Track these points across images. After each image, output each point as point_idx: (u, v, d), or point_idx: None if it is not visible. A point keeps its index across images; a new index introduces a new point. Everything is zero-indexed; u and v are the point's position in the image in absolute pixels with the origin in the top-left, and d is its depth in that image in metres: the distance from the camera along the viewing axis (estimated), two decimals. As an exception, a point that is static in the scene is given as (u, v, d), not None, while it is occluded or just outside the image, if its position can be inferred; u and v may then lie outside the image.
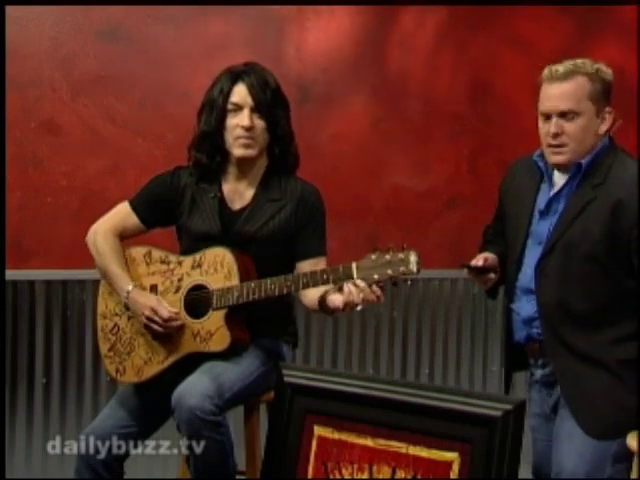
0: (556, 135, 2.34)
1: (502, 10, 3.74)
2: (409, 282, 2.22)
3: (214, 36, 3.52)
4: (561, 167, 2.38)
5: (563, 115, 2.33)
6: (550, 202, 2.41)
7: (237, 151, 2.46)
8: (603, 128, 2.37)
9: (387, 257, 2.19)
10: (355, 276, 2.22)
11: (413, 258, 2.17)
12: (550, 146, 2.36)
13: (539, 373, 2.45)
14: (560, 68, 2.35)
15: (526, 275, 2.42)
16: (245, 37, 3.53)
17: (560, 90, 2.34)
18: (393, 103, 3.70)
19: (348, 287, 2.22)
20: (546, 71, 2.38)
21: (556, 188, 2.41)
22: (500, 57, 3.78)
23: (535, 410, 2.49)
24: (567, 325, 2.33)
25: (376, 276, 2.19)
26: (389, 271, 2.18)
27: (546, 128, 2.37)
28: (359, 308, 2.25)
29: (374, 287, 2.21)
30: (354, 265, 2.23)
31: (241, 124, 2.43)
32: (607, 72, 2.37)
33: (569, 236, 2.33)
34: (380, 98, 3.69)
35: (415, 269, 2.17)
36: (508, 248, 2.52)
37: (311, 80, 3.62)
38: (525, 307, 2.42)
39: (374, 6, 3.65)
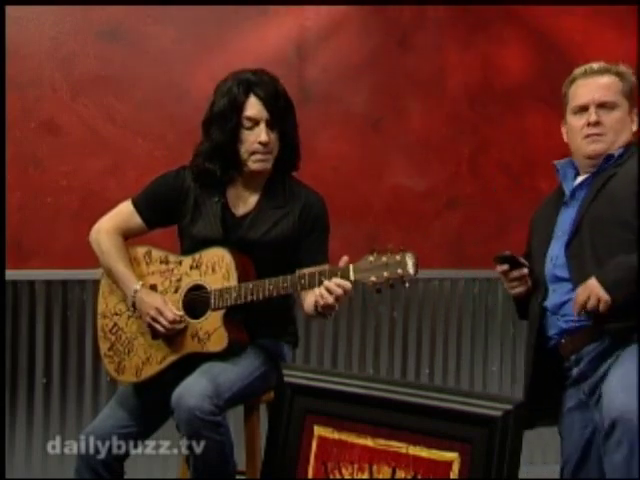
0: (596, 123, 2.39)
1: (502, 10, 3.74)
2: (407, 284, 2.20)
3: (214, 36, 3.52)
4: (596, 159, 2.41)
5: (601, 106, 2.40)
6: (574, 191, 2.44)
7: (254, 165, 2.45)
8: (634, 128, 2.43)
9: (384, 259, 2.18)
10: (352, 278, 2.22)
11: (410, 260, 2.16)
12: (588, 136, 2.41)
13: (575, 371, 2.39)
14: (594, 65, 2.45)
15: (550, 264, 2.41)
16: (245, 37, 3.53)
17: (597, 83, 2.43)
18: (393, 103, 3.71)
19: (320, 290, 2.23)
20: (578, 70, 2.47)
21: (580, 178, 2.44)
22: (500, 57, 3.78)
23: (569, 405, 2.43)
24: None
25: (373, 278, 2.19)
26: (386, 273, 2.18)
27: (582, 120, 2.42)
28: (335, 308, 2.26)
29: (336, 279, 2.22)
30: (351, 267, 2.23)
31: (259, 140, 2.41)
32: (632, 75, 2.45)
33: (594, 210, 2.34)
34: (380, 98, 3.69)
35: (412, 271, 2.16)
36: (533, 256, 2.49)
37: (311, 80, 3.62)
38: (552, 297, 2.40)
39: (374, 6, 3.65)
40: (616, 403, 2.12)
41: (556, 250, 2.41)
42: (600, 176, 2.39)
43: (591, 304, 2.25)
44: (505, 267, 2.44)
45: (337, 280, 2.23)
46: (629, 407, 2.07)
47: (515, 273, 2.45)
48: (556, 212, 2.49)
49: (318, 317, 2.39)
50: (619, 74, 2.44)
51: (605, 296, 2.22)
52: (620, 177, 2.34)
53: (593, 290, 2.24)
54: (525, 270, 2.45)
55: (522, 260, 2.45)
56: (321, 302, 2.25)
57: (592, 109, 2.40)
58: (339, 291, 2.22)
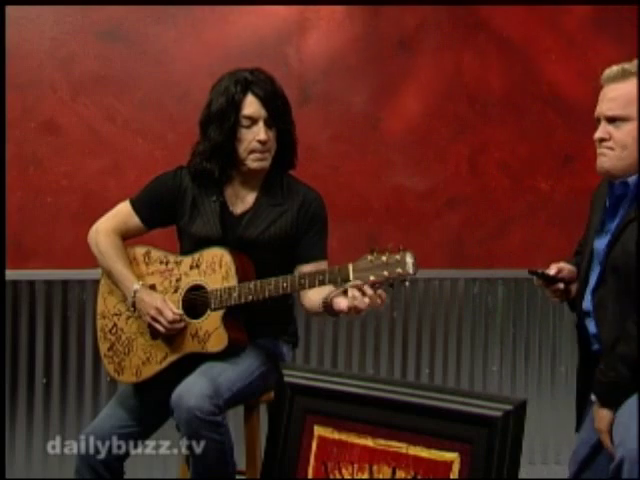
0: (602, 140, 2.25)
1: (502, 9, 3.74)
2: (407, 283, 2.19)
3: (214, 36, 3.52)
4: (607, 175, 2.27)
5: (611, 120, 2.23)
6: (603, 220, 2.31)
7: (253, 164, 2.45)
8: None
9: (383, 258, 2.18)
10: (351, 277, 2.21)
11: (409, 259, 2.16)
12: (598, 151, 2.27)
13: None
14: (614, 68, 2.25)
15: (587, 298, 2.33)
16: (245, 37, 3.53)
17: (609, 93, 2.25)
18: (393, 103, 3.71)
19: (353, 292, 2.20)
20: (603, 73, 2.28)
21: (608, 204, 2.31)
22: (500, 57, 3.78)
23: (591, 398, 2.38)
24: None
25: (372, 277, 2.18)
26: (385, 272, 2.17)
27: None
28: (363, 313, 2.23)
29: (379, 291, 2.19)
30: (350, 266, 2.22)
31: (257, 138, 2.41)
32: None
33: (613, 259, 2.23)
34: (380, 98, 3.69)
35: (411, 270, 2.16)
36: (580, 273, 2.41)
37: (311, 80, 3.62)
38: (593, 325, 2.32)
39: (374, 6, 3.65)
40: (627, 440, 2.08)
41: (591, 284, 2.32)
42: (626, 213, 2.24)
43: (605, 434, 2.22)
44: (540, 282, 2.39)
45: (380, 292, 2.19)
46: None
47: (550, 288, 2.40)
48: (604, 205, 2.34)
49: (326, 315, 2.36)
50: None
51: (610, 418, 2.19)
52: (635, 225, 2.19)
53: (601, 425, 2.22)
54: (560, 285, 2.39)
55: (553, 274, 2.37)
56: (353, 303, 2.19)
57: (602, 124, 2.26)
58: (377, 301, 2.19)
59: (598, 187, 2.46)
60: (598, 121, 2.29)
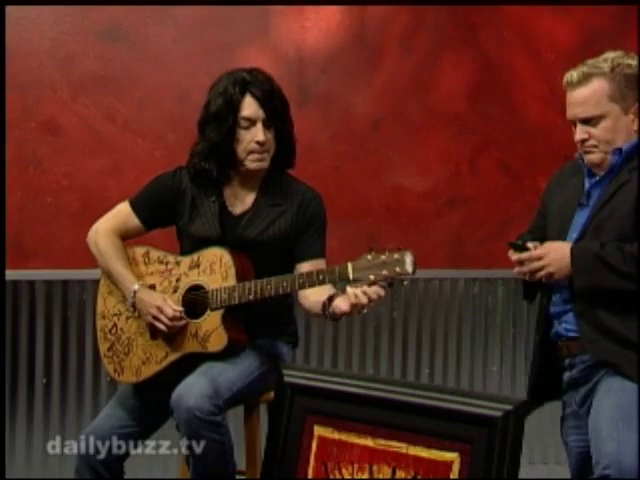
0: (583, 141, 2.31)
1: (502, 10, 3.74)
2: (405, 283, 2.20)
3: (214, 36, 3.52)
4: (597, 167, 2.33)
5: (585, 122, 2.30)
6: (589, 192, 2.35)
7: (252, 165, 2.45)
8: (635, 126, 2.29)
9: (383, 257, 2.18)
10: (351, 276, 2.21)
11: (408, 259, 2.16)
12: (582, 149, 2.34)
13: (567, 376, 2.38)
14: (574, 74, 2.30)
15: None
16: (245, 37, 3.53)
17: (577, 97, 2.30)
18: (393, 103, 3.71)
19: (353, 290, 2.21)
20: (564, 78, 2.33)
21: (597, 177, 2.35)
22: (500, 57, 3.78)
23: (565, 411, 2.43)
24: (601, 308, 2.25)
25: (372, 276, 2.19)
26: (384, 271, 2.17)
27: (576, 134, 2.34)
28: (365, 311, 2.24)
29: (375, 287, 2.20)
30: (350, 265, 2.22)
31: (256, 139, 2.41)
32: (628, 64, 2.28)
33: (598, 219, 2.28)
34: (380, 98, 3.69)
35: (410, 269, 2.16)
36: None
37: (311, 80, 3.62)
38: (557, 301, 2.36)
39: (374, 6, 3.65)
40: (607, 455, 2.10)
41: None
42: (615, 179, 2.30)
43: (539, 275, 2.28)
44: (516, 256, 2.37)
45: (379, 289, 2.20)
46: (619, 458, 2.08)
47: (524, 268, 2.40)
48: (578, 188, 2.39)
49: (326, 319, 2.36)
50: (605, 75, 2.26)
51: (554, 274, 2.26)
52: (629, 188, 2.25)
53: (552, 264, 2.26)
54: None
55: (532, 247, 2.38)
56: (355, 302, 2.21)
57: (578, 126, 2.31)
58: (374, 296, 2.20)
59: (548, 184, 2.53)
60: (573, 123, 2.34)
